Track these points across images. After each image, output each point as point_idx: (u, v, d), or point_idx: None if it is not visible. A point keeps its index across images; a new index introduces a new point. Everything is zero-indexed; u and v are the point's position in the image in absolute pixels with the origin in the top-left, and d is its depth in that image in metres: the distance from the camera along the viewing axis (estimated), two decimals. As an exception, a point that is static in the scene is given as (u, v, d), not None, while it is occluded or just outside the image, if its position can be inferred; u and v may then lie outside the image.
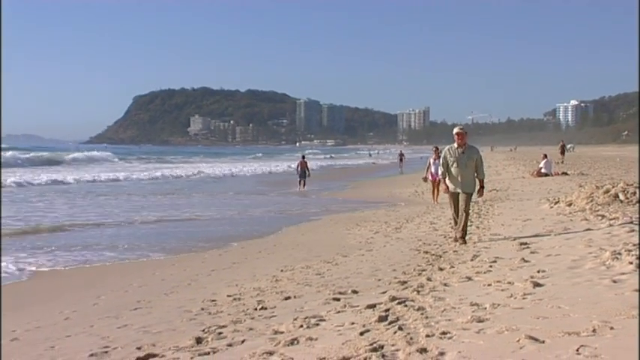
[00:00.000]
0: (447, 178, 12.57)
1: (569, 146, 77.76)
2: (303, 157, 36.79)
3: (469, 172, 12.41)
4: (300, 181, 35.00)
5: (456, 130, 12.63)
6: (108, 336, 7.47)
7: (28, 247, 15.50)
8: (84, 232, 18.36)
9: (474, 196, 12.75)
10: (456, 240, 12.36)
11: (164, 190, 35.19)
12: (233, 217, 21.97)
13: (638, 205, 14.54)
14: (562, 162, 50.29)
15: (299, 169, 35.55)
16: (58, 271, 12.96)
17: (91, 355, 6.61)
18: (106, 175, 48.84)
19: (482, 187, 12.70)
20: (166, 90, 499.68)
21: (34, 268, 13.03)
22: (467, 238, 12.32)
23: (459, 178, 12.34)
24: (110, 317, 8.62)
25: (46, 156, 78.07)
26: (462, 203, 12.32)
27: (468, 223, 12.94)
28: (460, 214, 12.33)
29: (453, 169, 12.42)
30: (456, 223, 12.55)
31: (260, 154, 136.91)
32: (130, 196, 31.26)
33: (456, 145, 12.49)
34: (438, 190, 22.18)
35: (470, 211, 12.91)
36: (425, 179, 24.51)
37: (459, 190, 12.38)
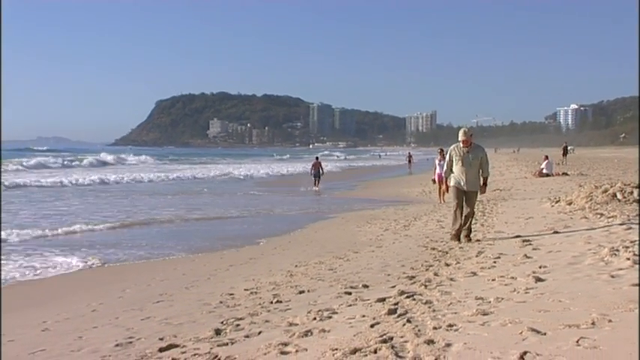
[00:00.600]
0: (449, 177, 12.19)
1: (569, 148, 76.84)
2: (317, 158, 36.90)
3: (474, 171, 12.00)
4: (314, 181, 35.06)
5: (460, 136, 12.09)
6: (132, 327, 7.50)
7: (63, 245, 15.63)
8: (120, 230, 18.43)
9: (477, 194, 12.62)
10: (454, 238, 12.00)
11: (197, 191, 35.36)
12: (253, 216, 22.00)
13: (636, 204, 14.45)
14: (564, 163, 49.94)
15: (313, 169, 35.62)
16: (87, 268, 13.01)
17: (117, 345, 6.64)
18: (149, 175, 48.82)
19: (485, 184, 12.27)
20: (187, 95, 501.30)
21: (73, 263, 13.13)
22: (472, 235, 12.04)
23: (464, 177, 11.93)
24: (134, 309, 8.66)
25: (90, 159, 78.64)
26: (467, 202, 11.97)
27: (473, 222, 12.55)
28: (465, 213, 11.95)
29: (457, 168, 12.00)
30: (455, 219, 12.10)
31: (287, 156, 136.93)
32: (165, 195, 31.48)
33: (461, 144, 12.08)
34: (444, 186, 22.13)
35: (475, 210, 12.62)
36: (434, 181, 24.60)
37: (464, 188, 11.96)
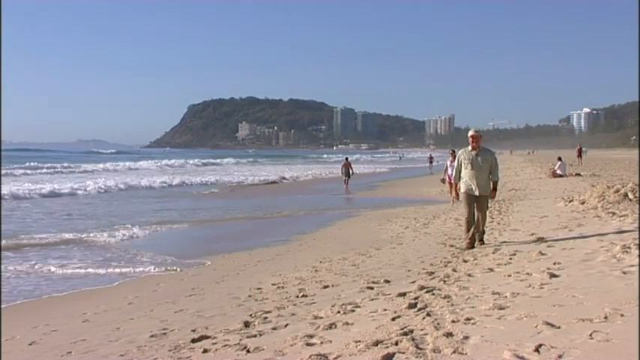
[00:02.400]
0: (460, 182, 11.17)
1: (583, 150, 74.17)
2: (347, 159, 37.02)
3: (484, 175, 10.97)
4: (345, 180, 35.25)
5: (470, 132, 11.18)
6: (166, 319, 7.55)
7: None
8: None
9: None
10: (468, 247, 10.84)
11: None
12: (281, 216, 22.08)
13: (638, 204, 14.29)
14: (579, 164, 48.88)
15: (343, 169, 35.82)
16: (125, 265, 13.11)
17: (152, 336, 6.68)
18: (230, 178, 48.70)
19: (494, 189, 11.22)
20: (217, 99, 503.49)
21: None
22: (485, 237, 11.25)
23: (474, 181, 10.90)
24: (168, 302, 8.71)
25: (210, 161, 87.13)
26: (478, 207, 10.96)
27: (486, 225, 11.62)
28: (477, 217, 10.95)
29: (467, 172, 10.97)
30: (468, 228, 11.01)
31: (341, 155, 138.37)
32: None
33: (470, 147, 11.09)
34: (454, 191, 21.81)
35: (487, 215, 11.57)
36: (443, 181, 24.30)
37: (475, 193, 10.93)
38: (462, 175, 11.13)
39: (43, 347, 6.89)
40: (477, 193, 10.97)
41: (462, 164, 11.13)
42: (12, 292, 10.37)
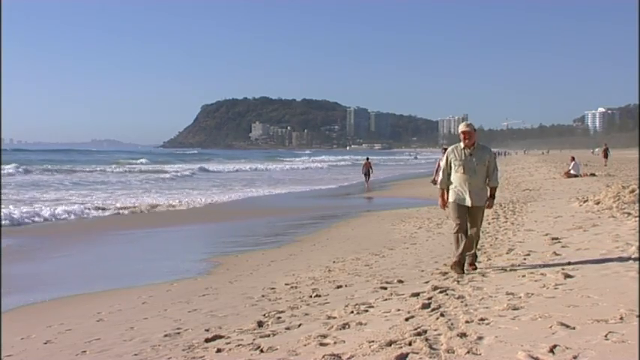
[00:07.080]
0: (448, 188, 8.85)
1: (596, 150, 70.39)
2: (367, 159, 37.63)
3: (479, 180, 8.64)
4: (365, 179, 36.16)
5: (461, 127, 8.86)
6: (180, 319, 7.58)
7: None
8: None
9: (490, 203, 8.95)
10: (457, 267, 8.52)
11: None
12: (293, 215, 22.09)
13: (637, 203, 14.20)
14: (605, 164, 47.02)
15: (364, 168, 36.39)
16: (138, 263, 13.16)
17: (166, 335, 6.71)
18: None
19: (492, 196, 8.80)
20: (230, 99, 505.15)
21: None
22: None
23: (466, 187, 8.57)
24: (182, 302, 8.74)
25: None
26: (471, 220, 8.65)
27: (479, 245, 9.29)
28: (469, 233, 8.62)
29: (458, 176, 8.63)
30: (457, 243, 8.62)
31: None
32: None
33: (462, 145, 8.70)
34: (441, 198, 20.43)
35: (481, 232, 9.18)
36: (434, 182, 22.34)
37: (467, 204, 8.59)
38: (451, 179, 8.82)
39: (58, 346, 6.94)
40: (469, 203, 8.63)
41: (452, 165, 8.80)
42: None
